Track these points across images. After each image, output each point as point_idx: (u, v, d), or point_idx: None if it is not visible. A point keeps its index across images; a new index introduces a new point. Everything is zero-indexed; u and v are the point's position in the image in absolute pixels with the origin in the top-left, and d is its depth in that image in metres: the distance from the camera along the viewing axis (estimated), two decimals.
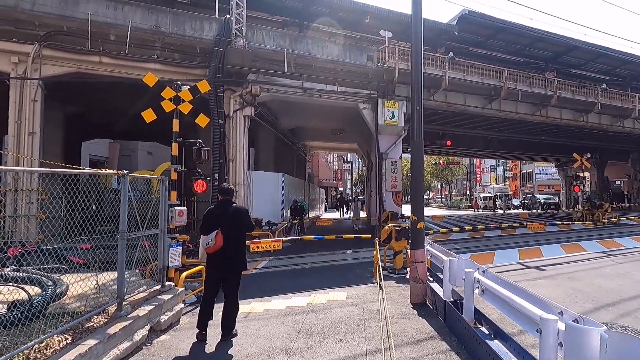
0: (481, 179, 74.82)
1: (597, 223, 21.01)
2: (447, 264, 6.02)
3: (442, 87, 17.30)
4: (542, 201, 41.02)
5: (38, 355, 3.67)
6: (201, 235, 5.16)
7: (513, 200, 46.73)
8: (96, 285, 5.29)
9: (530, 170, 59.16)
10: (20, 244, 8.54)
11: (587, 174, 27.21)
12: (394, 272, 9.46)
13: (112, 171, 4.77)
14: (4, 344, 3.67)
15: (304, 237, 12.30)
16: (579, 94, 21.54)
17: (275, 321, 5.92)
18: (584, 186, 25.92)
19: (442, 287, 6.97)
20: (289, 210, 17.68)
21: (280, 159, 22.57)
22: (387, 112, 16.17)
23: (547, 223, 15.81)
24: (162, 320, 5.36)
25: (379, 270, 7.98)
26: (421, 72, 6.95)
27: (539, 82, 20.33)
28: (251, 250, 8.68)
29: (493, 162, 70.22)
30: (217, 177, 13.79)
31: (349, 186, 68.51)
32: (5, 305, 4.36)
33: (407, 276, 8.66)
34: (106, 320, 4.69)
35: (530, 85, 20.02)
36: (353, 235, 12.20)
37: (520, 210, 39.53)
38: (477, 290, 5.16)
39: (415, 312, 6.39)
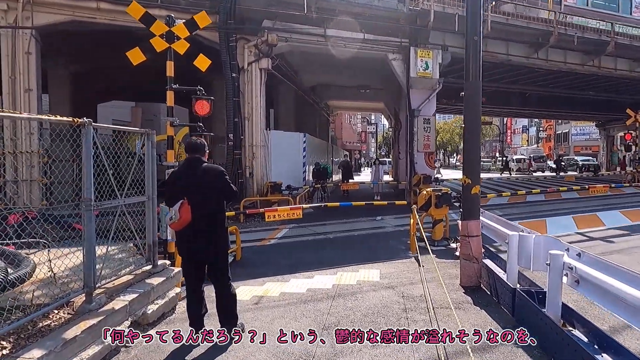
0: (512, 141, 71.32)
1: None
2: (514, 240, 4.63)
3: (482, 33, 15.20)
4: (580, 163, 38.43)
5: None
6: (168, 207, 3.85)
7: (548, 161, 44.10)
8: (73, 266, 4.15)
9: (567, 130, 55.59)
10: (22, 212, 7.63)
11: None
12: (432, 244, 8.11)
13: (67, 118, 3.49)
14: None
15: (328, 204, 11.01)
16: (637, 41, 18.93)
17: (294, 310, 4.73)
18: (636, 146, 23.41)
19: (498, 266, 5.65)
20: (311, 174, 16.38)
21: (301, 119, 21.05)
22: (420, 62, 14.32)
23: (613, 185, 13.89)
24: (150, 312, 4.22)
25: (425, 242, 6.69)
26: None
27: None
28: (266, 220, 7.49)
29: (525, 122, 66.42)
30: (232, 137, 12.54)
31: (373, 149, 66.56)
32: None
33: (455, 251, 7.40)
34: (70, 316, 3.57)
35: (582, 30, 17.60)
36: (386, 202, 10.81)
37: (552, 174, 37.03)
38: (565, 279, 3.81)
39: (469, 299, 5.08)
